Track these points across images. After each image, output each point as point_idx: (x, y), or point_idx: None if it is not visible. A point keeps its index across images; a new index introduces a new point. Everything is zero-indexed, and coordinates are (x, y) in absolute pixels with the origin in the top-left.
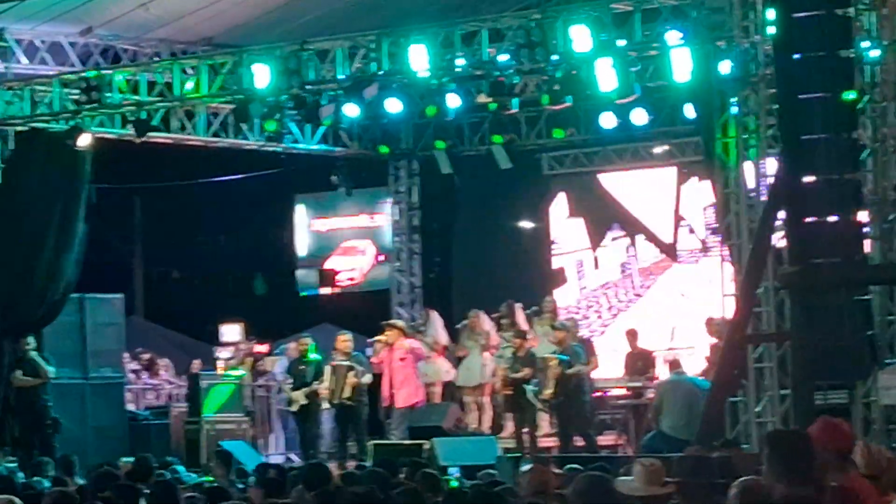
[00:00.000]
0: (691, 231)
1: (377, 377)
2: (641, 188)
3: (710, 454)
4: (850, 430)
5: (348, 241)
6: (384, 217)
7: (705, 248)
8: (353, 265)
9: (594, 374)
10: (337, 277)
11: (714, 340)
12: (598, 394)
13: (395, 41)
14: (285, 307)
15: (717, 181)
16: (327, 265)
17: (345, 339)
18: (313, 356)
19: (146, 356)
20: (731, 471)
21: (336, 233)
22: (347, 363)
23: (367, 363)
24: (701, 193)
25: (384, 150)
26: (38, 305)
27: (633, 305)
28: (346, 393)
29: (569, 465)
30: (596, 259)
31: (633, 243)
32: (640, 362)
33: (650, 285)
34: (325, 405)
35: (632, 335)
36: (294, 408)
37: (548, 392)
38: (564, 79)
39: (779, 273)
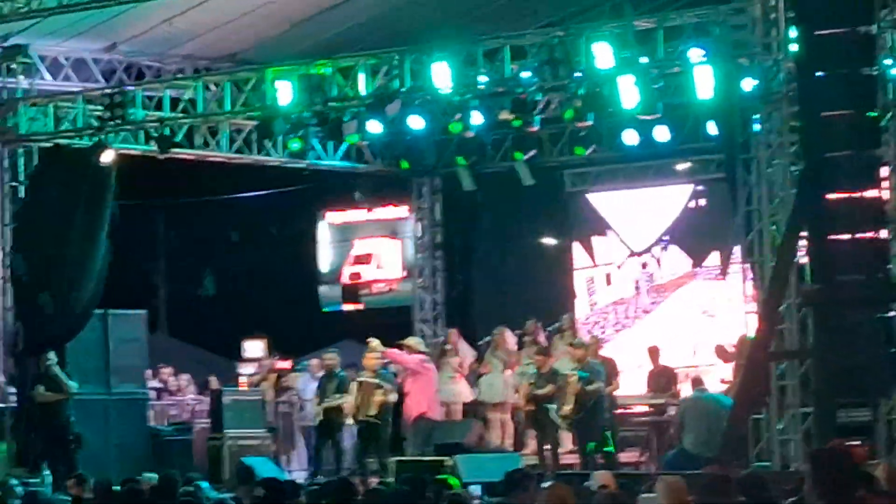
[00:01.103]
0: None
1: (400, 394)
2: (660, 204)
3: (730, 473)
4: (861, 452)
5: (358, 248)
6: (404, 210)
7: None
8: (374, 275)
9: (617, 392)
10: (358, 286)
11: (731, 363)
12: (620, 411)
13: (418, 58)
14: (308, 323)
15: (740, 199)
16: (345, 273)
17: (373, 357)
18: (339, 372)
19: (166, 371)
20: (755, 489)
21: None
22: (375, 381)
23: (394, 381)
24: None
25: (405, 165)
26: (61, 321)
27: (638, 322)
28: (372, 411)
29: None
30: (609, 276)
31: (649, 260)
32: (662, 379)
33: (661, 302)
34: (349, 420)
35: (654, 352)
36: (315, 422)
37: (567, 408)
38: (587, 96)
39: (801, 290)
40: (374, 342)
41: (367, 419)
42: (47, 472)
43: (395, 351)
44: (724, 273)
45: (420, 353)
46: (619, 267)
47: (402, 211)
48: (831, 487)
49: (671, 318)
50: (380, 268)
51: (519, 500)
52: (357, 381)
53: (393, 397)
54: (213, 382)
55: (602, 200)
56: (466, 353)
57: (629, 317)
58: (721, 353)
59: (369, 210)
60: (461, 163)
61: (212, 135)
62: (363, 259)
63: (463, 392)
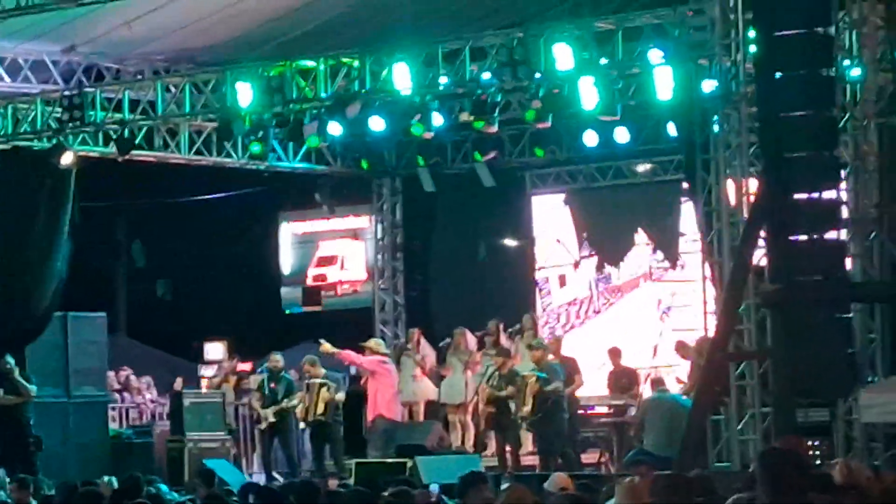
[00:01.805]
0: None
1: (355, 396)
2: (618, 205)
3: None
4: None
5: (323, 249)
6: (365, 220)
7: (681, 266)
8: (339, 276)
9: (578, 392)
10: (322, 288)
11: (688, 361)
12: (581, 412)
13: (378, 59)
14: (269, 325)
15: (699, 199)
16: (310, 276)
17: (307, 367)
18: (285, 374)
19: (123, 374)
20: (709, 490)
21: (314, 236)
22: (320, 381)
23: (340, 381)
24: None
25: (365, 164)
26: (20, 323)
27: (589, 322)
28: (320, 409)
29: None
30: (562, 277)
31: (603, 262)
32: (623, 380)
33: (615, 302)
34: (302, 425)
35: (614, 353)
36: (263, 426)
37: (525, 409)
38: (547, 97)
39: (760, 291)
40: (326, 345)
41: (317, 419)
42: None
43: (349, 353)
44: (673, 263)
45: (380, 354)
46: (574, 267)
47: (363, 221)
48: (778, 486)
49: (623, 318)
50: (344, 269)
51: (473, 501)
52: (306, 383)
53: (340, 395)
54: (179, 384)
55: (560, 202)
56: (428, 353)
57: (579, 317)
58: (681, 349)
59: (331, 213)
60: (421, 164)
61: (171, 136)
62: (329, 260)
63: (426, 391)
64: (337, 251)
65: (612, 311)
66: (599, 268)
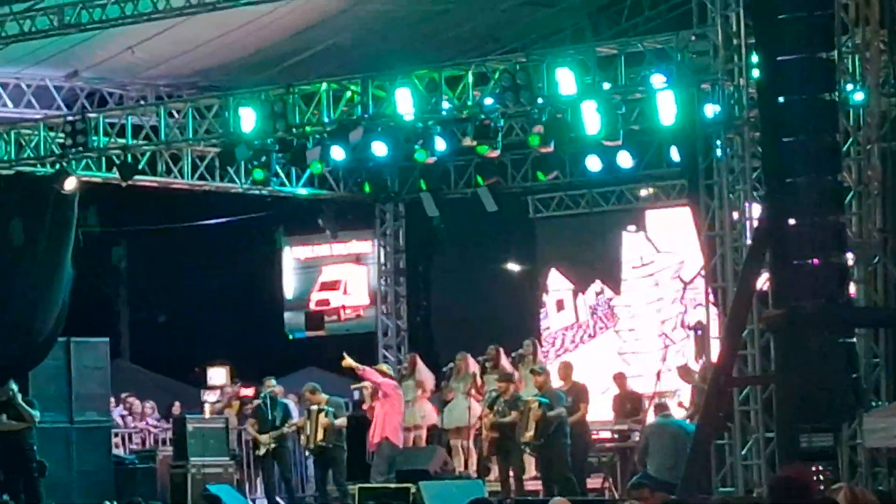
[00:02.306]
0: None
1: (357, 421)
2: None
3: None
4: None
5: (326, 274)
6: (368, 245)
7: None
8: (342, 301)
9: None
10: (325, 312)
11: (690, 385)
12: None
13: (381, 84)
14: (272, 350)
15: (702, 224)
16: (313, 300)
17: (307, 395)
18: (281, 399)
19: (130, 399)
20: None
21: (317, 261)
22: (318, 407)
23: (343, 406)
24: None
25: (368, 188)
26: (23, 349)
27: (582, 347)
28: (319, 435)
29: None
30: (560, 301)
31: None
32: (628, 405)
33: (610, 327)
34: (307, 452)
35: (620, 378)
36: (261, 451)
37: (528, 434)
38: (549, 122)
39: (763, 315)
40: (348, 359)
41: (318, 445)
42: (9, 501)
43: (370, 370)
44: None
45: (392, 378)
46: (581, 293)
47: (365, 245)
48: None
49: (619, 343)
50: (347, 294)
51: None
52: (307, 409)
53: (340, 421)
54: (176, 408)
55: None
56: (426, 377)
57: (574, 342)
58: (684, 373)
59: (334, 238)
60: (424, 189)
61: (174, 162)
62: (332, 285)
63: (427, 414)
64: (340, 276)
65: (608, 335)
66: (599, 293)
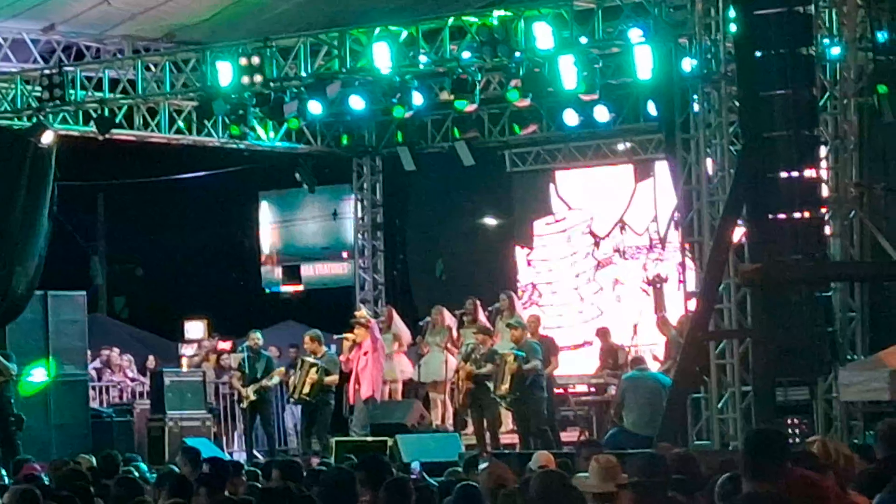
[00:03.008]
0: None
1: (342, 377)
2: (597, 184)
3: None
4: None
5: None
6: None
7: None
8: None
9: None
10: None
11: (665, 338)
12: (559, 391)
13: (358, 39)
14: (250, 304)
15: (679, 178)
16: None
17: (307, 340)
18: (265, 352)
19: (107, 352)
20: (689, 468)
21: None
22: (311, 360)
23: (336, 363)
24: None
25: (345, 140)
26: (1, 303)
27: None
28: (305, 389)
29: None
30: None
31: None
32: (610, 359)
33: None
34: (290, 400)
35: (603, 333)
36: (244, 404)
37: (504, 387)
38: (527, 76)
39: (740, 270)
40: (363, 310)
41: (302, 398)
42: None
43: (374, 323)
44: (662, 244)
45: (371, 321)
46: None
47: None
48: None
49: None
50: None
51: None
52: (299, 359)
53: (331, 378)
54: (151, 362)
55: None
56: (403, 331)
57: (541, 295)
58: (662, 325)
59: (311, 192)
60: (399, 138)
61: (151, 116)
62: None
63: (404, 369)
64: (317, 229)
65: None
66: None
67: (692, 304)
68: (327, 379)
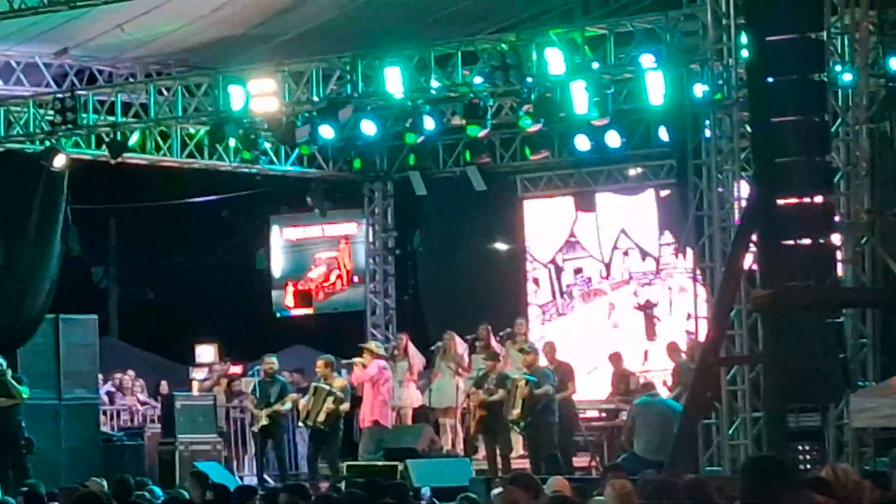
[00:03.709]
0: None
1: (356, 401)
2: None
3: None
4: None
5: (315, 252)
6: (355, 226)
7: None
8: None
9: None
10: (314, 291)
11: (674, 364)
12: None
13: (370, 63)
14: (260, 328)
15: (691, 204)
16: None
17: (321, 365)
18: (279, 376)
19: (117, 376)
20: (700, 495)
21: (309, 244)
22: (328, 388)
23: (349, 391)
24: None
25: (357, 164)
26: (12, 326)
27: (548, 325)
28: (321, 418)
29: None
30: (536, 280)
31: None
32: (622, 385)
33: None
34: (300, 423)
35: (616, 358)
36: (256, 428)
37: (515, 412)
38: (538, 101)
39: (751, 296)
40: (372, 344)
41: (317, 426)
42: None
43: (356, 373)
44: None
45: (380, 356)
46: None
47: (354, 225)
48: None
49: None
50: (335, 272)
51: None
52: (313, 385)
53: (344, 407)
54: (164, 387)
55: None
56: (416, 359)
57: (543, 322)
58: (671, 351)
59: (323, 216)
60: (411, 161)
61: (163, 139)
62: (320, 263)
63: (412, 397)
64: (328, 254)
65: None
66: (578, 272)
67: (691, 325)
68: (343, 407)
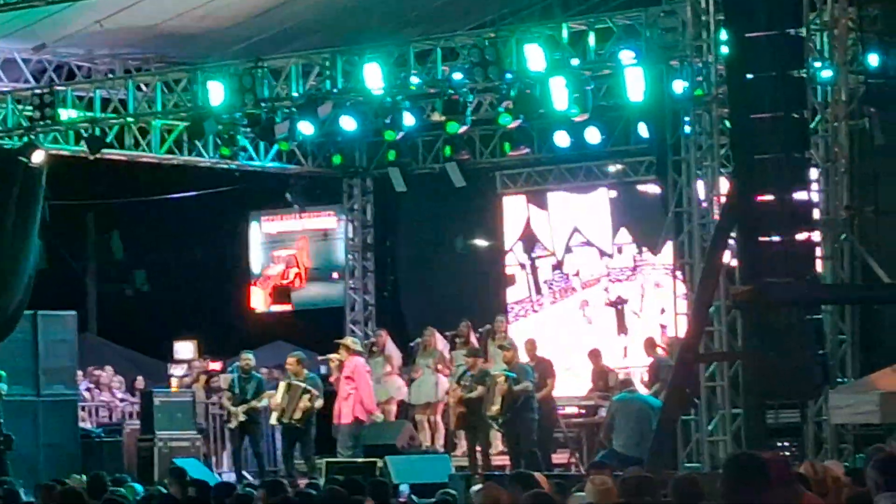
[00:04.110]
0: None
1: (330, 396)
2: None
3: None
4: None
5: (293, 248)
6: (333, 220)
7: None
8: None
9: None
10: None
11: (651, 359)
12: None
13: (350, 59)
14: (239, 324)
15: (670, 200)
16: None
17: (292, 362)
18: (256, 373)
19: (99, 372)
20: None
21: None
22: (304, 385)
23: (320, 386)
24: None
25: (337, 159)
26: None
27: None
28: (297, 415)
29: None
30: (512, 276)
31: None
32: (601, 381)
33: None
34: (273, 421)
35: (594, 355)
36: (233, 424)
37: (494, 409)
38: (518, 97)
39: (731, 292)
40: (348, 339)
41: (292, 423)
42: None
43: (361, 361)
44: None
45: (357, 353)
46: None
47: (333, 220)
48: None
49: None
50: (313, 268)
51: None
52: (285, 382)
53: (319, 403)
54: (140, 382)
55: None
56: (394, 355)
57: (518, 316)
58: (649, 346)
59: (301, 213)
60: (391, 157)
61: (143, 135)
62: (298, 260)
63: (394, 391)
64: (307, 250)
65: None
66: (557, 267)
67: (664, 321)
68: (317, 404)
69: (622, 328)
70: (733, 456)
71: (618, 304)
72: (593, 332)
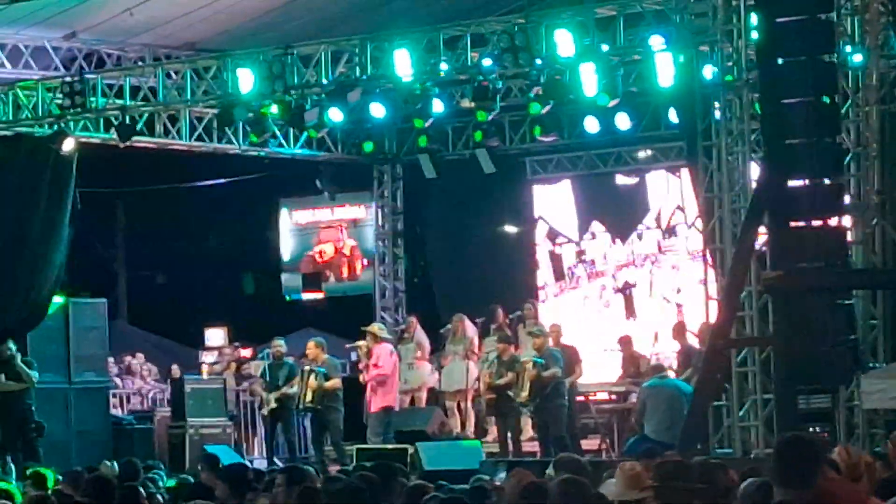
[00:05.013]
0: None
1: (353, 381)
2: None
3: (689, 459)
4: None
5: (324, 235)
6: (363, 210)
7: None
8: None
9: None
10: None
11: (681, 346)
12: (581, 398)
13: (379, 46)
14: (270, 311)
15: (701, 186)
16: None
17: (311, 346)
18: (287, 359)
19: (131, 358)
20: (711, 476)
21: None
22: (310, 367)
23: (337, 367)
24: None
25: (368, 147)
26: (22, 309)
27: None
28: (308, 397)
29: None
30: (540, 261)
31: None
32: (632, 367)
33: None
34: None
35: (625, 342)
36: (265, 411)
37: (523, 395)
38: (548, 83)
39: (762, 277)
40: (375, 326)
41: (307, 406)
42: (10, 462)
43: (389, 348)
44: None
45: (384, 339)
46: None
47: (363, 208)
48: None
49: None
50: (344, 256)
51: None
52: (301, 368)
53: (332, 383)
54: (175, 371)
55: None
56: (424, 342)
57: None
58: (677, 333)
59: (332, 200)
60: (422, 143)
61: (172, 123)
62: (329, 246)
63: (425, 377)
64: (338, 237)
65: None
66: (580, 254)
67: (683, 299)
68: (328, 384)
69: (630, 313)
70: (786, 439)
71: (626, 290)
72: (612, 318)
